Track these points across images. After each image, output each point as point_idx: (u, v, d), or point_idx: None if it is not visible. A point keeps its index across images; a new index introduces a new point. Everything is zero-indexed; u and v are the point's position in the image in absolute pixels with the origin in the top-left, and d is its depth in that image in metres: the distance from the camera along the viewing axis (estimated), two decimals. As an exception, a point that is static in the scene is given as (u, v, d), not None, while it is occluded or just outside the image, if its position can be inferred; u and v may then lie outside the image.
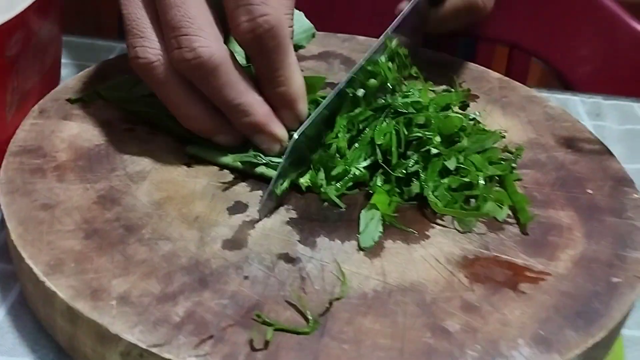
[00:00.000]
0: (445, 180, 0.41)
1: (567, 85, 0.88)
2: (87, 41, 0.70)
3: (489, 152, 0.44)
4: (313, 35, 0.50)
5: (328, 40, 0.62)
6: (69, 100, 0.47)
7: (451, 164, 0.41)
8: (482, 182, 0.41)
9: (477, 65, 0.61)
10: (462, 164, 0.41)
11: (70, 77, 0.51)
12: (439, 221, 0.40)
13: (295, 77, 0.42)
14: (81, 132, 0.45)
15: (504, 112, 0.53)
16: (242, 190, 0.41)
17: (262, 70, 0.42)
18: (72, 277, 0.34)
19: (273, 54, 0.40)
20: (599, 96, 0.71)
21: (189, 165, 0.43)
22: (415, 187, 0.40)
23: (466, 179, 0.41)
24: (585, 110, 0.68)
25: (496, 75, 0.59)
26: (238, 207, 0.40)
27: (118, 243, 0.36)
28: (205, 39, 0.39)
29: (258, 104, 0.41)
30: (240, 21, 0.39)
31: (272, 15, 0.39)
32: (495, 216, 0.41)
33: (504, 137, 0.47)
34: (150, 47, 0.40)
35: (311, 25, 0.49)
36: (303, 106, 0.43)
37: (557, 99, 0.69)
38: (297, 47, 0.49)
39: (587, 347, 0.33)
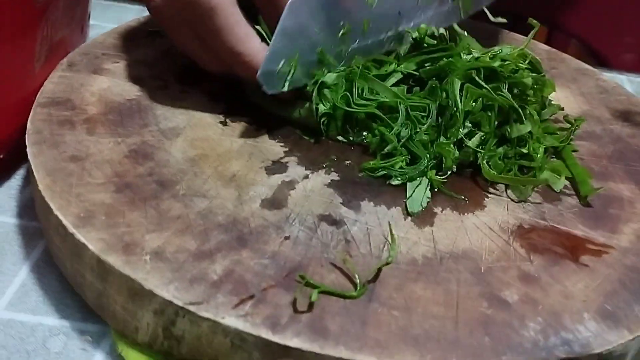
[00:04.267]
0: (501, 150, 0.38)
1: (607, 68, 0.84)
2: (113, 3, 0.68)
3: (547, 123, 0.41)
4: None
5: None
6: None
7: (515, 133, 0.38)
8: (540, 153, 0.38)
9: (521, 35, 0.57)
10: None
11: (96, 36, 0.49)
12: (491, 189, 0.38)
13: None
14: (112, 86, 0.42)
15: (556, 82, 0.50)
16: (279, 151, 0.39)
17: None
18: (103, 230, 0.31)
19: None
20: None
21: (224, 123, 0.40)
22: (468, 150, 0.37)
23: (524, 150, 0.38)
24: (633, 90, 0.65)
25: (544, 47, 0.56)
26: (276, 167, 0.37)
27: (151, 198, 0.34)
28: None
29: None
30: None
31: None
32: (552, 186, 0.38)
33: (562, 109, 0.44)
34: None
35: None
36: None
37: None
38: None
39: (658, 325, 0.30)
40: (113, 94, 0.42)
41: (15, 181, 0.42)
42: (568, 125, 0.43)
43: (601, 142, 0.43)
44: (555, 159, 0.41)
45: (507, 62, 0.39)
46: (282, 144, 0.39)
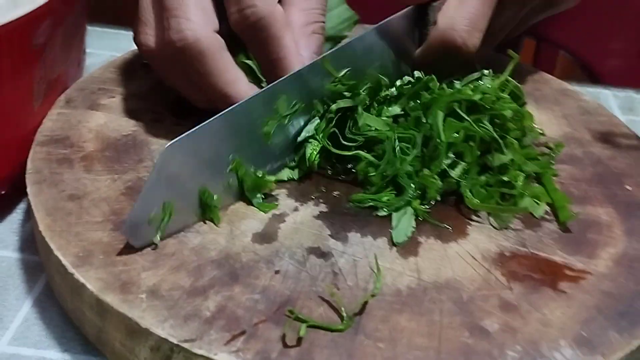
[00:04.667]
0: (483, 178, 0.40)
1: (595, 79, 0.86)
2: (108, 30, 0.69)
3: (528, 149, 0.43)
4: (355, 23, 0.48)
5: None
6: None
7: (496, 162, 0.39)
8: (521, 180, 0.40)
9: (503, 55, 0.59)
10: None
11: (93, 66, 0.51)
12: (474, 217, 0.39)
13: (292, 67, 0.40)
14: (108, 122, 0.44)
15: (538, 105, 0.52)
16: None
17: (261, 61, 0.41)
18: (101, 269, 0.33)
19: (266, 45, 0.40)
20: (631, 90, 0.69)
21: (217, 156, 0.42)
22: (451, 180, 0.39)
23: (505, 177, 0.40)
24: (618, 105, 0.66)
25: (527, 67, 0.58)
26: (268, 201, 0.39)
27: (147, 236, 0.35)
28: (194, 22, 0.39)
29: (246, 95, 0.40)
30: (231, 12, 0.40)
31: (259, 7, 0.39)
32: (533, 212, 0.40)
33: (542, 134, 0.45)
34: (152, 33, 0.41)
35: (352, 13, 0.48)
36: None
37: (588, 92, 0.67)
38: (339, 38, 0.48)
39: (632, 349, 0.32)
40: (109, 129, 0.43)
41: (17, 215, 0.44)
42: (549, 150, 0.44)
43: (581, 165, 0.45)
44: (536, 184, 0.42)
45: (487, 95, 0.40)
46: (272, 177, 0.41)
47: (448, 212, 0.39)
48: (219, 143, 0.37)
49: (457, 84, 0.42)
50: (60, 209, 0.36)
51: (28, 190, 0.38)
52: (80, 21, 0.48)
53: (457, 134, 0.39)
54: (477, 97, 0.40)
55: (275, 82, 0.39)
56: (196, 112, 0.45)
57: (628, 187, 0.43)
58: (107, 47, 0.66)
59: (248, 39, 0.41)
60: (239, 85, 0.41)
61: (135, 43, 0.43)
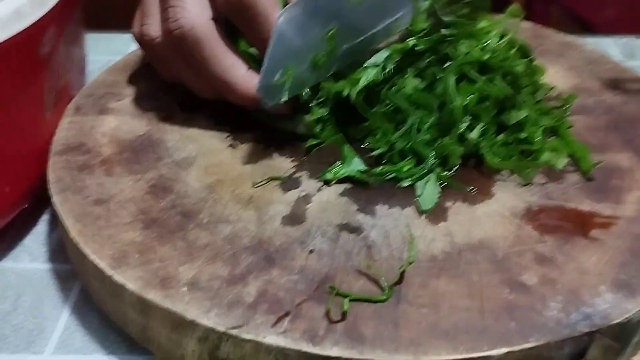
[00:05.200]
0: (501, 136, 0.40)
1: (589, 31, 0.85)
2: (102, 35, 0.69)
3: (541, 104, 0.43)
4: None
5: None
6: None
7: (513, 119, 0.40)
8: (539, 135, 0.40)
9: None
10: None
11: (93, 73, 0.51)
12: (497, 177, 0.39)
13: None
14: (120, 124, 0.44)
15: (543, 59, 0.52)
16: (290, 167, 0.40)
17: (252, 40, 0.41)
18: (139, 267, 0.33)
19: (254, 23, 0.40)
20: (629, 36, 0.69)
21: (233, 146, 0.42)
22: (470, 143, 0.39)
23: (522, 134, 0.40)
24: (619, 52, 0.66)
25: (526, 24, 0.57)
26: (290, 184, 0.39)
27: (178, 230, 0.35)
28: (189, 11, 0.40)
29: (245, 80, 0.40)
30: None
31: None
32: (555, 165, 0.40)
33: (553, 88, 0.45)
34: (153, 24, 0.42)
35: None
36: None
37: (587, 41, 0.67)
38: None
39: (671, 287, 0.32)
40: (123, 132, 0.43)
41: (42, 226, 0.44)
42: (561, 103, 0.44)
43: (594, 114, 0.45)
44: (553, 138, 0.42)
45: (496, 54, 0.40)
46: (292, 159, 0.41)
47: (470, 175, 0.40)
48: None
49: (464, 44, 0.42)
50: (88, 214, 0.36)
51: (53, 199, 0.38)
52: (79, 28, 0.48)
53: (472, 95, 0.39)
54: (486, 56, 0.40)
55: None
56: (205, 106, 0.45)
57: (644, 131, 0.43)
58: (103, 51, 0.65)
59: (236, 20, 0.41)
60: (238, 70, 0.41)
61: (137, 37, 0.44)
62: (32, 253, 0.42)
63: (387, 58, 0.41)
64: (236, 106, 0.43)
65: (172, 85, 0.46)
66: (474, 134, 0.39)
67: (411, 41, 0.41)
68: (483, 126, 0.40)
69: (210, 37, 0.40)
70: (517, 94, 0.40)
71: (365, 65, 0.41)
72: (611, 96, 0.47)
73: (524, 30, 0.56)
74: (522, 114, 0.40)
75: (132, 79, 0.49)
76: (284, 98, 0.39)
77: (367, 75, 0.41)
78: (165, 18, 0.41)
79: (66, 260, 0.41)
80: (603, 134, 0.43)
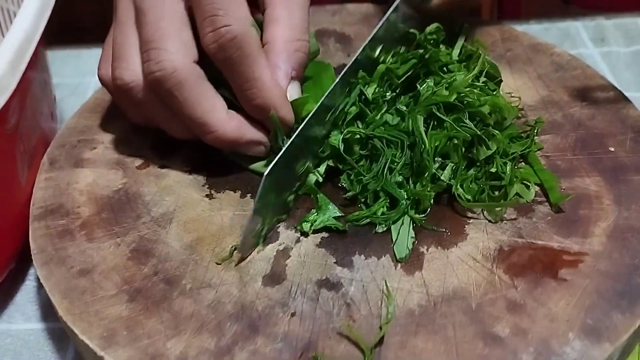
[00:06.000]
0: (472, 171, 0.41)
1: (566, 2, 0.85)
2: (70, 52, 0.68)
3: (510, 129, 0.44)
4: (315, 56, 0.48)
5: (317, 16, 0.60)
6: None
7: (482, 155, 0.40)
8: (508, 169, 0.41)
9: (471, 16, 0.59)
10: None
11: (63, 98, 0.50)
12: (469, 214, 0.40)
13: (267, 87, 0.41)
14: (96, 178, 0.44)
15: (512, 68, 0.52)
16: (269, 216, 0.41)
17: (235, 84, 0.41)
18: (128, 346, 0.34)
19: (240, 65, 0.40)
20: (601, 16, 0.69)
21: (210, 196, 0.43)
22: (445, 177, 0.40)
23: (492, 169, 0.41)
24: (589, 37, 0.66)
25: (495, 25, 0.57)
26: (269, 236, 0.40)
27: (162, 300, 0.36)
28: (173, 53, 0.40)
29: (224, 122, 0.41)
30: (205, 33, 0.40)
31: (234, 25, 0.39)
32: (524, 197, 0.41)
33: (522, 111, 0.46)
34: (127, 68, 0.42)
35: (316, 45, 0.48)
36: (285, 112, 0.42)
37: (558, 29, 0.67)
38: None
39: (635, 329, 0.34)
40: (100, 187, 0.44)
41: (31, 282, 0.45)
42: (530, 126, 0.45)
43: (563, 132, 0.46)
44: (523, 164, 0.43)
45: (462, 94, 0.41)
46: (268, 207, 0.42)
47: (443, 213, 0.41)
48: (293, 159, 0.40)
49: (430, 81, 0.43)
50: (73, 288, 0.37)
51: (38, 273, 0.38)
52: (45, 76, 0.48)
53: (442, 135, 0.40)
54: (452, 97, 0.41)
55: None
56: (178, 148, 0.46)
57: (611, 149, 0.44)
58: (72, 72, 0.65)
59: (222, 59, 0.40)
60: (218, 112, 0.41)
61: (107, 81, 0.44)
62: (25, 312, 0.43)
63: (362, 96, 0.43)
64: (211, 147, 0.43)
65: (146, 128, 0.46)
66: (445, 176, 0.40)
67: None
68: (453, 165, 0.40)
69: (192, 79, 0.40)
70: (486, 127, 0.41)
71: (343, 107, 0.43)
72: (579, 109, 0.48)
73: (494, 32, 0.56)
74: (490, 151, 0.41)
75: (104, 122, 0.49)
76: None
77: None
78: (146, 59, 0.40)
79: (58, 318, 0.42)
80: (571, 155, 0.44)
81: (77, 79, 0.64)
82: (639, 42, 0.65)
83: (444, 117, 0.41)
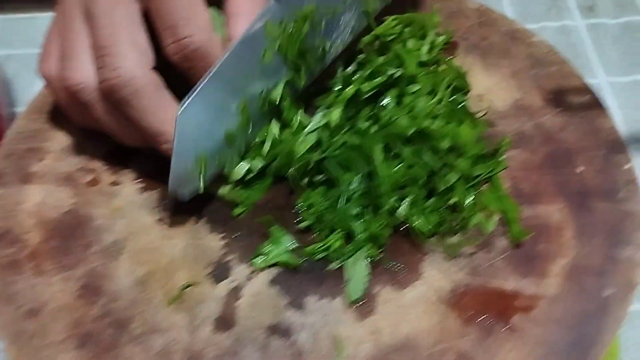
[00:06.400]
0: (431, 202, 0.40)
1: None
2: (21, 17, 0.63)
3: (475, 148, 0.42)
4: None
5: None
6: None
7: (442, 186, 0.39)
8: (468, 202, 0.39)
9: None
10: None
11: (17, 74, 0.47)
12: (427, 246, 0.39)
13: None
14: (45, 197, 0.43)
15: (485, 63, 0.49)
16: (219, 246, 0.40)
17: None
18: (76, 400, 0.34)
19: (202, 75, 0.38)
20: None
21: (162, 221, 0.41)
22: (400, 214, 0.39)
23: (452, 200, 0.39)
24: (577, 5, 0.63)
25: (474, 5, 0.53)
26: (220, 272, 0.39)
27: (111, 347, 0.36)
28: (129, 60, 0.38)
29: None
30: (167, 43, 0.39)
31: (196, 35, 0.38)
32: (484, 228, 0.40)
33: (490, 125, 0.44)
34: (78, 68, 0.40)
35: None
36: None
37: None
38: None
39: (582, 383, 0.34)
40: (49, 208, 0.42)
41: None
42: (499, 127, 0.43)
43: (532, 146, 0.44)
44: (486, 187, 0.42)
45: (424, 126, 0.39)
46: (221, 235, 0.40)
47: (401, 245, 0.40)
48: (226, 88, 0.38)
49: (389, 102, 0.40)
50: (22, 332, 0.37)
51: (-14, 312, 0.38)
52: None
53: (401, 165, 0.39)
54: (411, 130, 0.39)
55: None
56: (132, 159, 0.44)
57: (580, 168, 0.43)
58: (24, 41, 0.61)
59: (187, 69, 0.39)
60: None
61: (53, 79, 0.41)
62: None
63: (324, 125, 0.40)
64: (166, 159, 0.42)
65: (95, 133, 0.44)
66: (402, 210, 0.39)
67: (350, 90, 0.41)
68: (412, 198, 0.39)
69: (150, 87, 0.39)
70: (447, 160, 0.39)
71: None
72: (551, 116, 0.46)
73: (471, 13, 0.53)
74: (450, 181, 0.39)
75: (53, 126, 0.47)
76: (202, 186, 0.38)
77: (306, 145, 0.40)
78: (101, 65, 0.38)
79: None
80: (537, 176, 0.42)
81: (31, 49, 0.60)
82: (630, 13, 0.62)
83: (401, 151, 0.39)
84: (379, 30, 0.45)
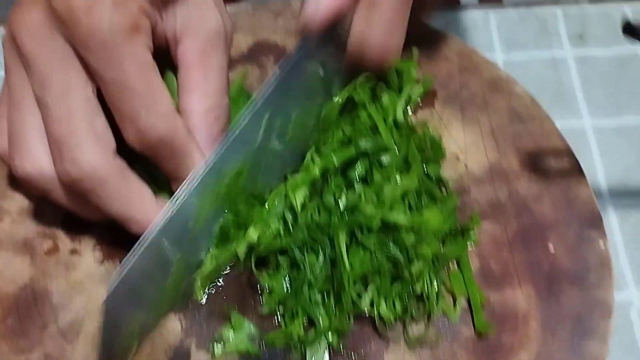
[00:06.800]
0: (395, 288, 0.38)
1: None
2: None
3: (447, 222, 0.40)
4: None
5: (258, 18, 0.53)
6: None
7: (407, 274, 0.38)
8: (433, 291, 0.38)
9: (434, 30, 0.52)
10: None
11: None
12: (390, 334, 0.39)
13: None
14: (3, 268, 0.42)
15: (464, 116, 0.47)
16: (178, 329, 0.39)
17: (166, 172, 0.39)
18: None
19: (170, 160, 0.38)
20: (584, 1, 0.61)
21: (122, 299, 0.40)
22: (364, 304, 0.38)
23: (418, 287, 0.38)
24: (567, 32, 0.59)
25: (457, 46, 0.51)
26: (180, 357, 0.38)
27: None
28: (89, 151, 0.36)
29: (153, 213, 0.38)
30: (128, 133, 0.37)
31: (157, 124, 0.36)
32: (449, 317, 0.39)
33: (458, 198, 0.42)
34: (29, 157, 0.38)
35: None
36: None
37: (536, 17, 0.60)
38: None
39: None
40: (5, 281, 0.41)
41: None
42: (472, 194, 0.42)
43: (504, 217, 0.43)
44: (454, 267, 0.41)
45: (389, 219, 0.37)
46: (181, 318, 0.40)
47: (364, 332, 0.39)
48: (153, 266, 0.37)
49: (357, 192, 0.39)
50: (-24, 423, 0.37)
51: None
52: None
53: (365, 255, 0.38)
54: (375, 222, 0.37)
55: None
56: (92, 225, 0.43)
57: (551, 248, 0.41)
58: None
59: (149, 156, 0.38)
60: (145, 205, 0.38)
61: (11, 166, 0.39)
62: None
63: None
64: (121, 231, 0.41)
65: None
66: (366, 299, 0.38)
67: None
68: (376, 286, 0.38)
69: (115, 176, 0.37)
70: (413, 251, 0.38)
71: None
72: (527, 183, 0.44)
73: (451, 57, 0.50)
74: (417, 268, 0.38)
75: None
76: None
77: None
78: (59, 159, 0.36)
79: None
80: (507, 254, 0.41)
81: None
82: (621, 41, 0.59)
83: (366, 239, 0.37)
84: (347, 93, 0.42)
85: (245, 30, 0.52)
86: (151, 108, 0.36)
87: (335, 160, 0.40)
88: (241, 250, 0.39)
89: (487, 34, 0.58)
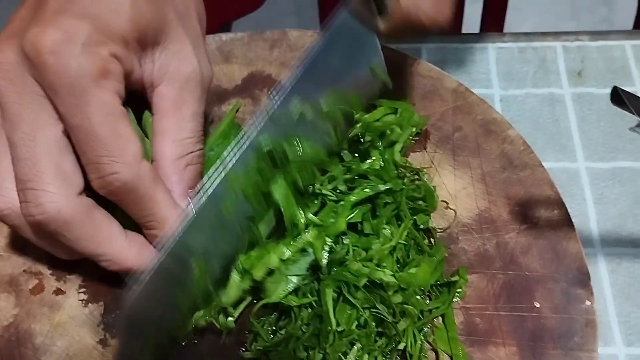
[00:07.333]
0: (380, 343, 0.38)
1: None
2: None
3: (434, 275, 0.40)
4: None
5: (253, 48, 0.53)
6: None
7: (392, 332, 0.38)
8: (417, 350, 0.38)
9: (430, 66, 0.51)
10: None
11: None
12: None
13: (167, 219, 0.38)
14: (-14, 307, 0.42)
15: (455, 160, 0.47)
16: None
17: (132, 215, 0.38)
18: None
19: (135, 205, 0.38)
20: (585, 36, 0.60)
21: (104, 343, 0.40)
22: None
23: (401, 345, 0.38)
24: (566, 67, 0.59)
25: (451, 84, 0.50)
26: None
27: None
28: (53, 193, 0.36)
29: (123, 250, 0.38)
30: (92, 178, 0.37)
31: (122, 172, 0.36)
32: (430, 378, 0.39)
33: (449, 249, 0.42)
34: (0, 194, 0.37)
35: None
36: None
37: (534, 50, 0.59)
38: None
39: None
40: (-11, 320, 0.41)
41: None
42: (461, 243, 0.42)
43: (492, 272, 0.42)
44: (439, 321, 0.41)
45: (376, 278, 0.37)
46: (162, 362, 0.40)
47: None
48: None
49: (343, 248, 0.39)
50: None
51: None
52: None
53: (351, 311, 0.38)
54: (362, 282, 0.37)
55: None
56: (77, 264, 0.43)
57: (537, 304, 0.41)
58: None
59: (114, 201, 0.37)
60: (115, 242, 0.38)
61: None
62: None
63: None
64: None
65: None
66: (351, 357, 0.38)
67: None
68: (361, 344, 0.38)
69: (80, 216, 0.37)
70: (399, 309, 0.38)
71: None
72: (516, 235, 0.44)
73: (446, 96, 0.50)
74: (402, 326, 0.38)
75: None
76: None
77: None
78: (24, 201, 0.36)
79: None
80: (492, 310, 0.41)
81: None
82: (619, 78, 0.58)
83: (353, 295, 0.37)
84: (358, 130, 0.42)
85: (240, 61, 0.52)
86: (115, 154, 0.35)
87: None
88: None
89: (485, 68, 0.57)
